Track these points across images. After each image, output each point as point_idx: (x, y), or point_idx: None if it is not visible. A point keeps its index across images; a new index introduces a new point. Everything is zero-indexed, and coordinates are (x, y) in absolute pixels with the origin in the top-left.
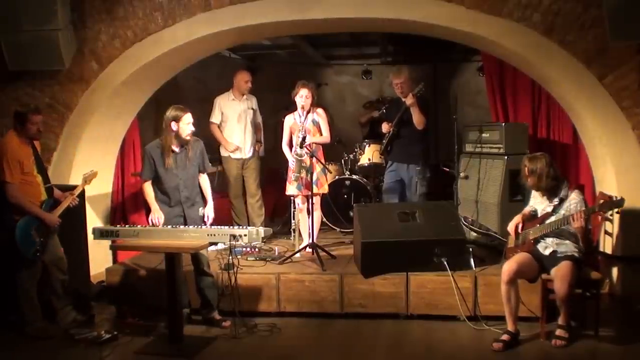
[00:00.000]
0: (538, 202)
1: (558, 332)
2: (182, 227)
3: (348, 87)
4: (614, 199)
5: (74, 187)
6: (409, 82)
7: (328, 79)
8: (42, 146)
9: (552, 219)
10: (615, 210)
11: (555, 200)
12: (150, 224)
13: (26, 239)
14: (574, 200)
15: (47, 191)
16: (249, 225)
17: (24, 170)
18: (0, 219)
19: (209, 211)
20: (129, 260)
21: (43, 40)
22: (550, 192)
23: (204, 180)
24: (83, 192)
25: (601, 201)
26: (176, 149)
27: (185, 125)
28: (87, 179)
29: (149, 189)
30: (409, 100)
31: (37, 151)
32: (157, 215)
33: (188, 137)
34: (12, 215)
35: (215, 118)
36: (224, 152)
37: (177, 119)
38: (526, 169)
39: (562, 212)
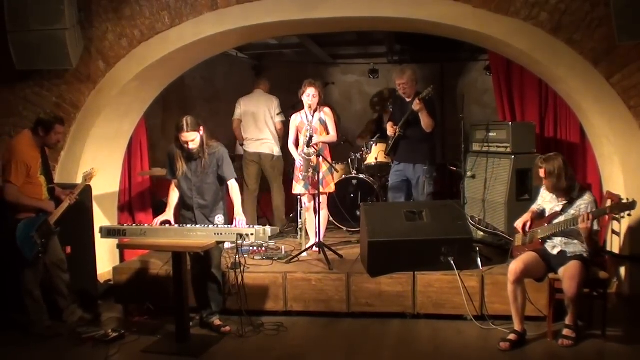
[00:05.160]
0: (547, 201)
1: (565, 331)
2: (189, 226)
3: (355, 86)
4: (625, 201)
5: (76, 186)
6: (412, 83)
7: (335, 78)
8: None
9: (561, 218)
10: (627, 213)
11: (565, 200)
12: (155, 222)
13: (27, 240)
14: (585, 202)
15: (49, 191)
16: None
17: (29, 173)
18: (3, 220)
19: (238, 216)
20: (136, 259)
21: (50, 40)
22: (565, 192)
23: (231, 188)
24: (90, 191)
25: (609, 201)
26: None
27: (183, 141)
28: (87, 178)
29: (172, 190)
30: (416, 107)
31: (46, 155)
32: (163, 219)
33: (193, 150)
34: (15, 216)
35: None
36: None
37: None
38: (542, 170)
39: (571, 212)
